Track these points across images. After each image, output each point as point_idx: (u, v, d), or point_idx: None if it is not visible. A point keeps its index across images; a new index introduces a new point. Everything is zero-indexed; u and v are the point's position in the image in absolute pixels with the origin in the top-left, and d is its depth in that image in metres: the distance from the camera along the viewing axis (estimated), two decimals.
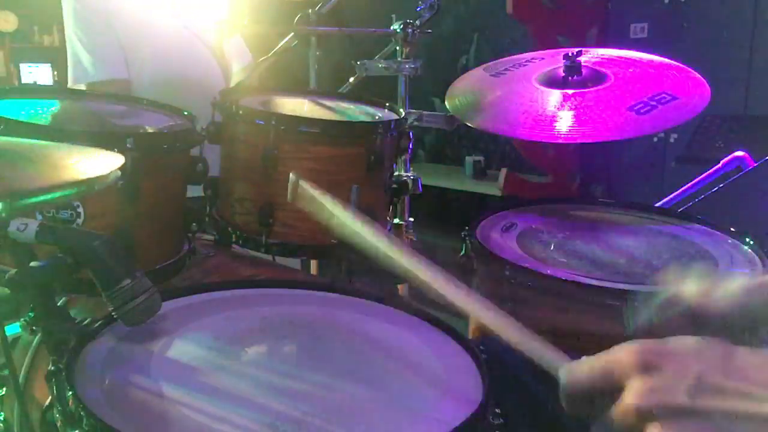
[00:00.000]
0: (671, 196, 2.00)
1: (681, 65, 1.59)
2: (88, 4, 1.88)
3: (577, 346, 1.25)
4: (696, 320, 0.72)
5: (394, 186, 1.57)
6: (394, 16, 1.91)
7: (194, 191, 1.42)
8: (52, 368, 0.84)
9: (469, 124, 1.57)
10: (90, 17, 1.88)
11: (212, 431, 0.75)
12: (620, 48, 1.72)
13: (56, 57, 5.70)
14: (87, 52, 1.89)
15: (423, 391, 0.86)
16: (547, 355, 0.69)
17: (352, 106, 1.67)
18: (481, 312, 0.75)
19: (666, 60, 1.62)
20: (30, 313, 0.88)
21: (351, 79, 1.95)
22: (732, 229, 1.52)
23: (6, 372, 0.97)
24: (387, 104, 1.65)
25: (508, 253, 1.38)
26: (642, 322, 0.78)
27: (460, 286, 0.76)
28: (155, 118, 1.45)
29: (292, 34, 1.95)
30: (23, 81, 5.53)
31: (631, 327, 0.82)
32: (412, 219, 1.91)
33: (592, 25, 3.52)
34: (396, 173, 1.64)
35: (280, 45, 1.96)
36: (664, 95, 1.48)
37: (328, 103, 1.70)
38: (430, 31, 1.95)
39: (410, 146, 1.58)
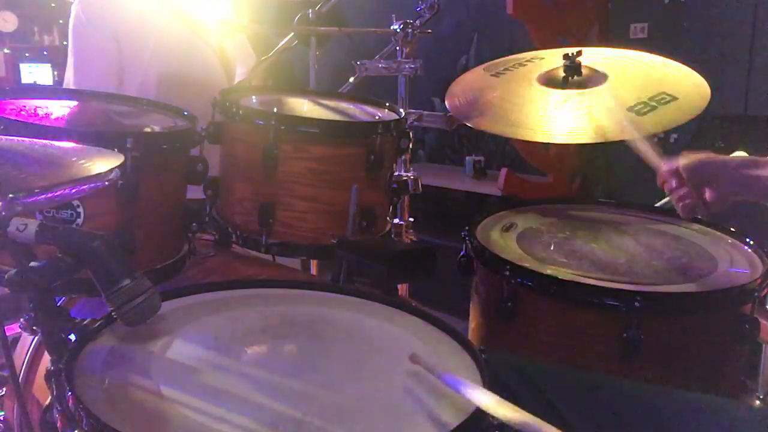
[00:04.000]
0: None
1: (681, 65, 1.59)
2: (91, 12, 1.89)
3: (577, 345, 1.25)
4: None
5: (394, 186, 1.57)
6: (394, 16, 1.90)
7: (194, 191, 1.42)
8: (52, 368, 0.84)
9: (469, 125, 1.57)
10: (90, 28, 1.89)
11: (212, 431, 0.75)
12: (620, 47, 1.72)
13: (56, 57, 5.69)
14: (73, 66, 1.91)
15: (423, 391, 0.86)
16: None
17: (352, 106, 1.67)
18: None
19: (666, 60, 1.62)
20: (30, 313, 0.88)
21: (351, 79, 1.95)
22: (732, 229, 1.52)
23: (6, 372, 0.97)
24: (387, 104, 1.65)
25: (508, 253, 1.38)
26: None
27: None
28: (155, 118, 1.45)
29: (292, 34, 1.95)
30: (23, 81, 5.52)
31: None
32: (412, 219, 1.91)
33: (592, 25, 3.52)
34: (396, 173, 1.64)
35: (280, 45, 1.96)
36: (664, 95, 1.48)
37: (328, 103, 1.69)
38: (430, 31, 1.95)
39: (410, 146, 1.58)
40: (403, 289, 1.97)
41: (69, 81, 1.92)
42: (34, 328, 0.89)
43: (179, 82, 1.95)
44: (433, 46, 4.08)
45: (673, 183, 1.26)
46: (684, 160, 1.24)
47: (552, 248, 1.43)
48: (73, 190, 0.81)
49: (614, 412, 1.03)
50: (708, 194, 1.23)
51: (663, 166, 1.29)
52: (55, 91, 1.52)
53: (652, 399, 1.04)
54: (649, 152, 1.33)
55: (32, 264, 0.84)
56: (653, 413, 1.01)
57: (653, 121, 1.43)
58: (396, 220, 1.79)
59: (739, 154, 1.34)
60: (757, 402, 1.47)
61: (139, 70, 1.92)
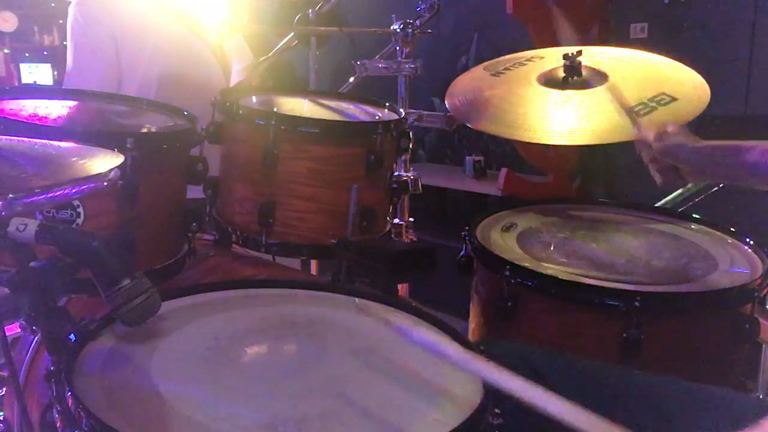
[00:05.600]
0: (671, 196, 2.00)
1: (681, 65, 1.59)
2: (88, 12, 1.89)
3: (577, 345, 1.25)
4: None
5: (394, 186, 1.57)
6: (394, 16, 1.90)
7: (194, 191, 1.42)
8: (52, 368, 0.84)
9: (469, 125, 1.57)
10: (88, 28, 1.89)
11: (212, 431, 0.75)
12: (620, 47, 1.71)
13: (56, 57, 5.70)
14: (72, 66, 1.91)
15: (423, 391, 0.86)
16: None
17: (352, 106, 1.67)
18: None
19: (666, 60, 1.62)
20: (30, 313, 0.88)
21: (351, 79, 1.95)
22: (732, 229, 1.52)
23: (6, 372, 0.97)
24: (387, 104, 1.65)
25: (508, 253, 1.38)
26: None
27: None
28: (155, 118, 1.45)
29: (292, 34, 1.95)
30: (23, 81, 5.53)
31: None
32: (412, 219, 1.91)
33: (592, 25, 3.52)
34: (396, 173, 1.64)
35: (280, 45, 1.96)
36: (664, 95, 1.48)
37: (328, 103, 1.69)
38: (430, 31, 1.95)
39: (410, 146, 1.58)
40: (403, 289, 1.97)
41: (68, 81, 1.92)
42: (34, 328, 0.89)
43: (179, 82, 1.95)
44: (433, 46, 4.08)
45: (650, 154, 1.26)
46: (656, 143, 1.23)
47: (552, 248, 1.43)
48: (73, 190, 0.80)
49: (618, 400, 1.03)
50: (683, 171, 1.24)
51: (638, 134, 1.29)
52: (55, 91, 1.52)
53: (656, 388, 1.04)
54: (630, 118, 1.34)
55: (32, 264, 0.84)
56: (658, 402, 1.01)
57: (653, 121, 1.43)
58: (396, 220, 1.79)
59: None
60: None
61: (138, 70, 1.92)
